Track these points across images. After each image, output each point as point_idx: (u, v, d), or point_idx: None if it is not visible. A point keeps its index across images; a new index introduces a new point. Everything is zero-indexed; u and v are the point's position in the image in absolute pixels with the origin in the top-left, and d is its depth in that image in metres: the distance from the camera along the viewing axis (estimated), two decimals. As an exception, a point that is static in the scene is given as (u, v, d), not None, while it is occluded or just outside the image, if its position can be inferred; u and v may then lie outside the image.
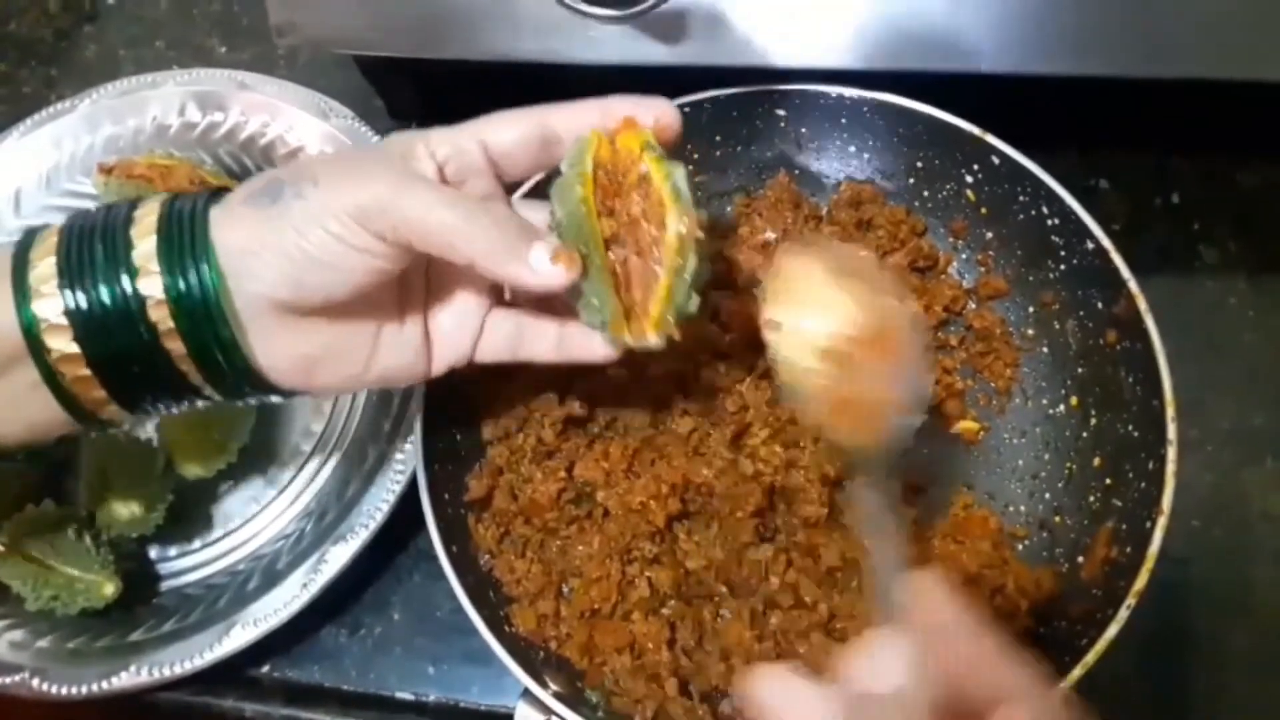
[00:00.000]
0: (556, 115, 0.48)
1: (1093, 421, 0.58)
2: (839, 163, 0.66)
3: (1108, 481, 0.55)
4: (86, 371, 0.43)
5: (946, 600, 0.35)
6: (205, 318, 0.43)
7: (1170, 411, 0.51)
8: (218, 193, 0.46)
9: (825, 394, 0.45)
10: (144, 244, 0.43)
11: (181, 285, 0.43)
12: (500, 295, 0.52)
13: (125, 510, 0.61)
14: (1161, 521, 0.49)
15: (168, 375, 0.45)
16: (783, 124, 0.65)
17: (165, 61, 0.84)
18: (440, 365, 0.51)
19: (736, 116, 0.65)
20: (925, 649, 0.33)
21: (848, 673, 0.34)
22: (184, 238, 0.43)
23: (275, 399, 0.49)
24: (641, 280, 0.47)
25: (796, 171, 0.67)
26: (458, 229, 0.43)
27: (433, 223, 0.43)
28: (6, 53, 0.87)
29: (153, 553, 0.66)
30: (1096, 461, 0.57)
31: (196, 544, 0.66)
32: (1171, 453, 0.51)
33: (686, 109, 0.63)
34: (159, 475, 0.63)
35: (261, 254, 0.43)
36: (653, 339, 0.47)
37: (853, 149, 0.65)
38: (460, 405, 0.61)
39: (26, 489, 0.64)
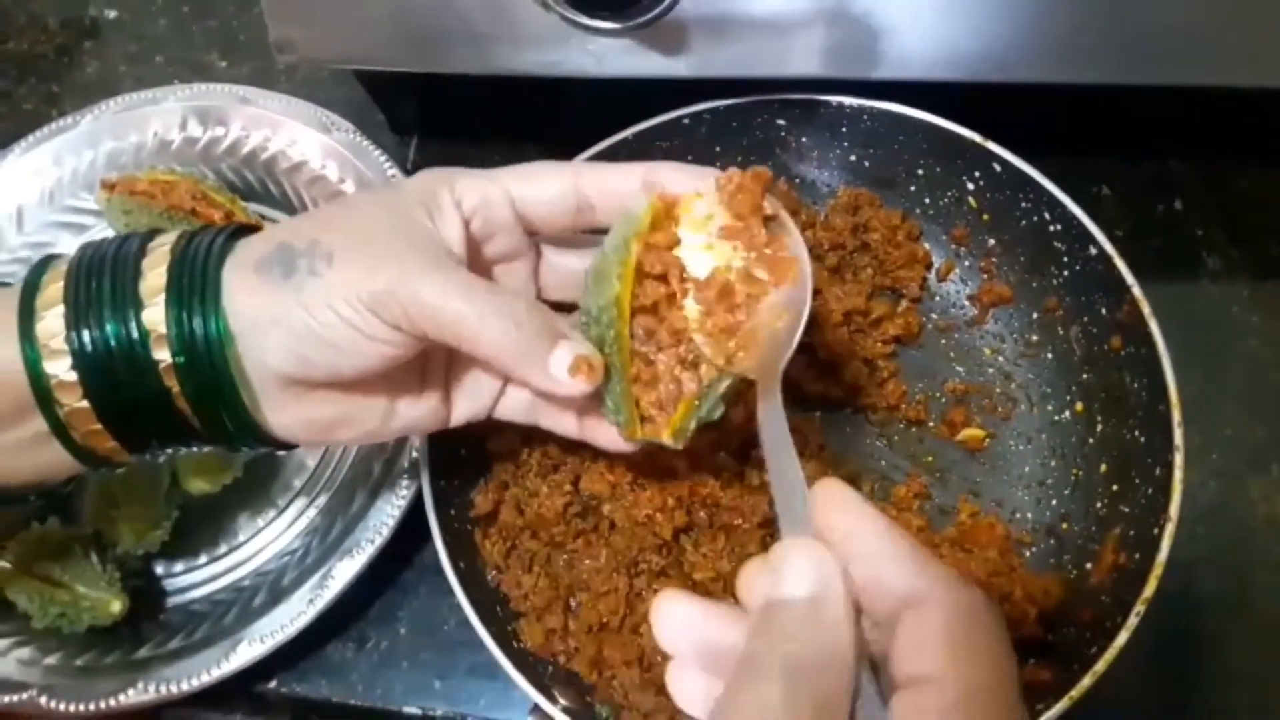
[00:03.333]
0: (592, 178, 0.46)
1: (1098, 427, 0.58)
2: (839, 171, 0.66)
3: (1114, 488, 0.55)
4: (97, 425, 0.43)
5: (852, 502, 0.33)
6: (212, 383, 0.42)
7: (1176, 416, 0.51)
8: (235, 234, 0.45)
9: (713, 322, 0.44)
10: (154, 303, 0.42)
11: (188, 350, 0.41)
12: None
13: (131, 527, 0.61)
14: (1169, 528, 0.49)
15: (179, 428, 0.44)
16: (783, 134, 0.65)
17: (166, 77, 0.84)
18: (459, 419, 0.50)
19: (736, 127, 0.65)
20: (832, 553, 0.31)
21: (752, 587, 0.33)
22: (194, 298, 0.42)
23: (284, 452, 0.48)
24: (668, 378, 0.45)
25: (797, 180, 0.67)
26: (473, 324, 0.41)
27: (448, 315, 0.41)
28: (7, 70, 0.87)
29: (159, 569, 0.66)
30: (1103, 467, 0.57)
31: (202, 560, 0.66)
32: (1178, 458, 0.51)
33: (686, 120, 0.63)
34: (164, 492, 0.63)
35: (270, 330, 0.42)
36: (669, 443, 0.46)
37: (853, 158, 0.65)
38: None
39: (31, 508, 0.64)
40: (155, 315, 0.41)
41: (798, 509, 0.34)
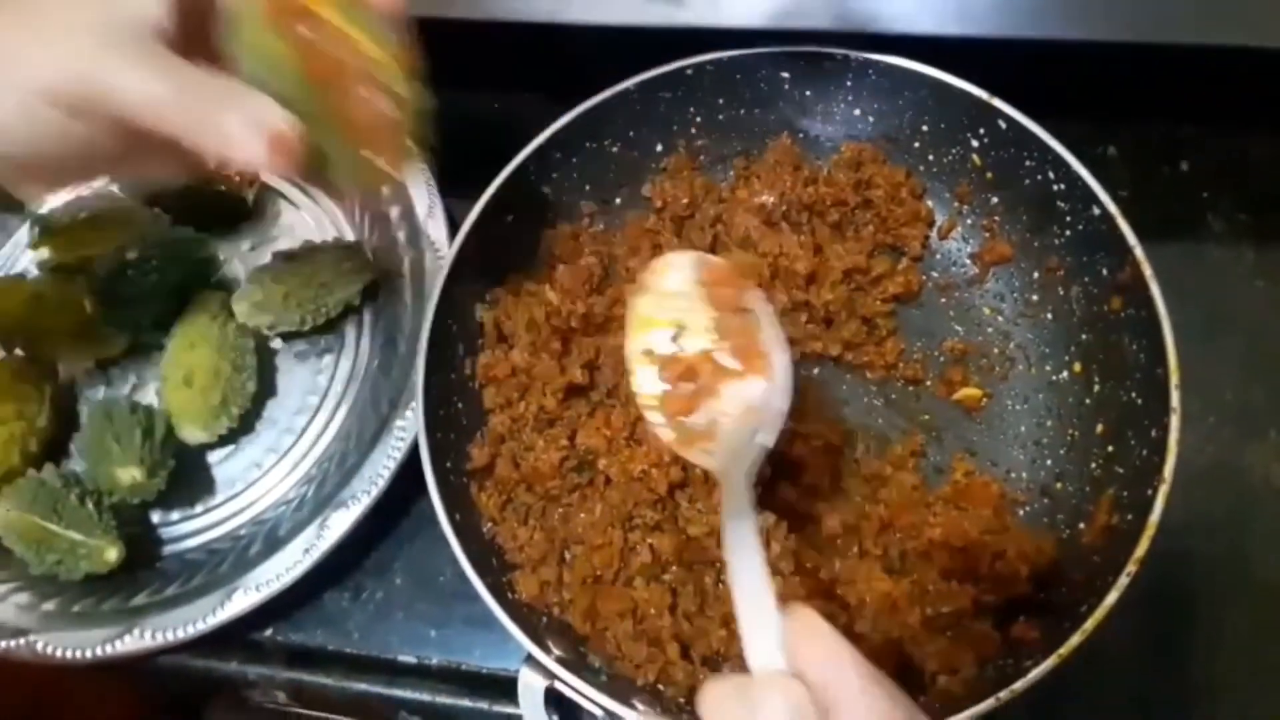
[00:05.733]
0: None
1: (1096, 388, 0.58)
2: (843, 126, 0.66)
3: (1110, 449, 0.55)
4: None
5: (829, 639, 0.31)
6: None
7: (1174, 379, 0.51)
8: None
9: (668, 403, 0.43)
10: None
11: None
12: None
13: (127, 476, 0.61)
14: (1163, 489, 0.49)
15: None
16: (786, 86, 0.64)
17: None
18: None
19: (740, 79, 0.64)
20: (810, 700, 0.30)
21: (722, 717, 0.32)
22: None
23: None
24: (372, 122, 0.45)
25: (800, 135, 0.66)
26: (167, 104, 0.40)
27: (141, 99, 0.40)
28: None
29: (155, 517, 0.66)
30: (1099, 428, 0.57)
31: (198, 509, 0.66)
32: (1174, 420, 0.50)
33: (689, 71, 0.62)
34: (160, 441, 0.63)
35: None
36: (403, 172, 0.46)
37: (857, 112, 0.65)
38: (461, 373, 0.60)
39: (26, 448, 0.65)
40: None
41: (768, 632, 0.33)
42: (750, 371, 0.43)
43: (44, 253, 0.70)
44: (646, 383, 0.44)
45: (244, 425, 0.66)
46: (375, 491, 0.60)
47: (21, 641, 0.59)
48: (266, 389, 0.68)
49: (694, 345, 0.44)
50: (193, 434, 0.64)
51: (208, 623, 0.59)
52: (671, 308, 0.44)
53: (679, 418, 0.43)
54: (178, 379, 0.64)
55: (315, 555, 0.59)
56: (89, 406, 0.68)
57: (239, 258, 0.73)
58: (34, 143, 0.40)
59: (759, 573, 0.35)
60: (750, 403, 0.43)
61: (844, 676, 0.31)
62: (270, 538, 0.62)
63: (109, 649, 0.59)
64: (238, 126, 0.41)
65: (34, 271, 0.71)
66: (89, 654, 0.59)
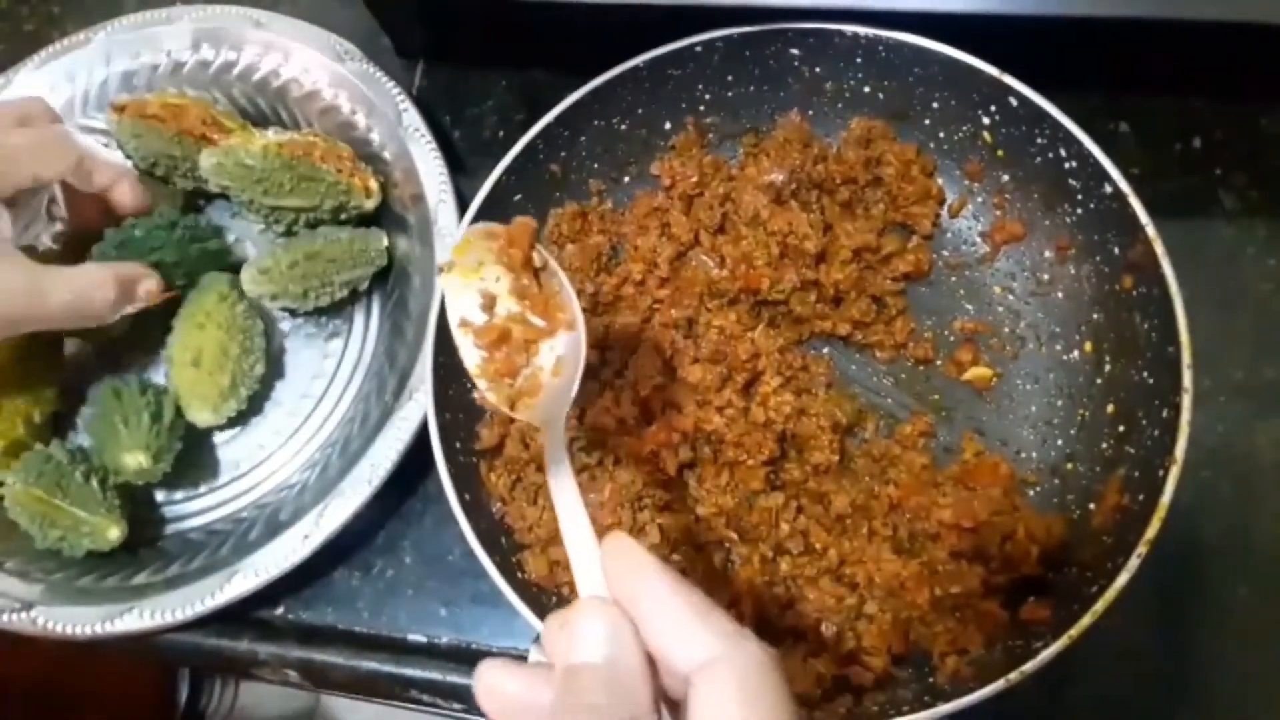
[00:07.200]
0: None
1: (1107, 368, 0.58)
2: (853, 103, 0.65)
3: (1120, 429, 0.55)
4: None
5: (637, 561, 0.34)
6: None
7: (1186, 358, 0.51)
8: None
9: (488, 368, 0.46)
10: None
11: None
12: None
13: (133, 460, 0.61)
14: (1174, 470, 0.49)
15: None
16: (796, 64, 0.64)
17: (168, -1, 0.82)
18: None
19: (749, 56, 0.63)
20: (623, 616, 0.33)
21: (554, 648, 0.34)
22: None
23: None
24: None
25: (810, 112, 0.66)
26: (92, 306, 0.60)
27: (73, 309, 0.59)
28: (4, -12, 0.85)
29: (158, 495, 0.66)
30: (1110, 408, 0.56)
31: (202, 489, 0.66)
32: (1186, 400, 0.50)
33: (698, 48, 0.62)
34: (168, 425, 0.62)
35: None
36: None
37: (867, 90, 0.64)
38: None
39: (32, 422, 0.65)
40: None
41: (589, 566, 0.36)
42: (556, 326, 0.46)
43: (57, 225, 0.70)
44: (468, 353, 0.46)
45: (252, 408, 0.66)
46: (376, 481, 0.60)
47: (22, 615, 0.60)
48: (274, 371, 0.68)
49: (503, 310, 0.47)
50: (201, 416, 0.64)
51: (206, 605, 0.59)
52: (475, 278, 0.47)
53: (503, 379, 0.46)
54: (185, 360, 0.64)
55: (313, 544, 0.59)
56: (96, 383, 0.68)
57: (252, 240, 0.72)
58: None
59: (579, 509, 0.39)
60: (561, 355, 0.46)
61: (650, 587, 0.34)
62: (271, 522, 0.62)
63: (108, 627, 0.59)
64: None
65: (46, 243, 0.71)
66: (88, 630, 0.59)
